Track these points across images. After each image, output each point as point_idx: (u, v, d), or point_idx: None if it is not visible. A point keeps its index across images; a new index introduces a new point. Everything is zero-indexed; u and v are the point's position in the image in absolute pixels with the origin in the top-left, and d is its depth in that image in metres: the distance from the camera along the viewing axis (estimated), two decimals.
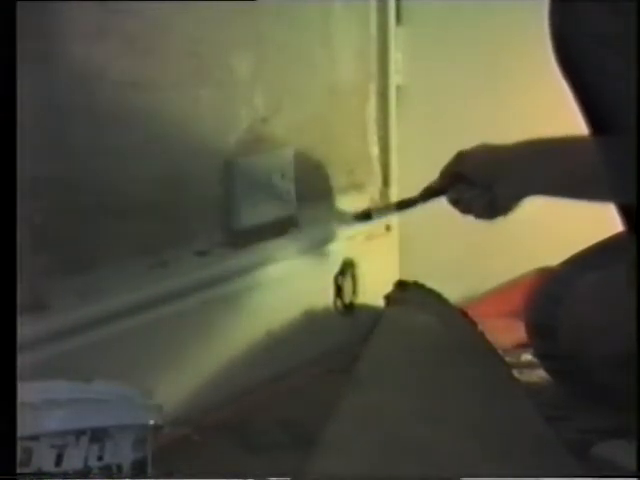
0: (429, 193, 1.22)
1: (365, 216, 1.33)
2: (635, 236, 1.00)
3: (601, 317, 1.05)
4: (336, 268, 1.33)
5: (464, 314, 1.14)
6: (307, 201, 1.31)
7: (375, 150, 1.42)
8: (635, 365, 0.94)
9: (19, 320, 0.76)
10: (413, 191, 1.26)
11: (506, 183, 1.10)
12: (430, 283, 1.20)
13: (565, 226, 1.21)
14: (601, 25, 0.94)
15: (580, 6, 0.95)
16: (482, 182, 1.12)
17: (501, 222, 1.13)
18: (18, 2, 0.80)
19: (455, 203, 1.17)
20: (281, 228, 1.27)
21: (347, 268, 1.34)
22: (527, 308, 1.15)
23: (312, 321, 1.28)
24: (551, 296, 1.12)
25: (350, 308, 1.35)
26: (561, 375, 1.12)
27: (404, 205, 1.28)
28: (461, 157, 1.16)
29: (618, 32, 0.93)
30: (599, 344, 1.04)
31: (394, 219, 1.43)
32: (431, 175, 1.21)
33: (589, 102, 1.00)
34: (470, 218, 1.15)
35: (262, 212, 1.23)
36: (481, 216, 1.14)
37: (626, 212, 1.08)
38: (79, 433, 0.76)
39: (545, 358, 1.16)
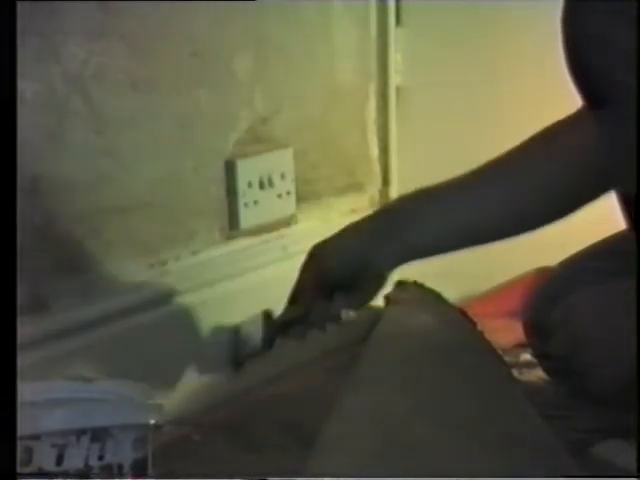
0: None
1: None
2: (636, 236, 0.99)
3: (599, 324, 1.05)
4: None
5: (464, 314, 1.14)
6: (307, 201, 1.31)
7: (375, 150, 1.42)
8: (634, 368, 0.94)
9: (19, 320, 0.76)
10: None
11: (379, 255, 0.98)
12: (430, 283, 1.20)
13: (565, 226, 1.21)
14: (619, 27, 0.93)
15: (598, 6, 0.93)
16: (346, 278, 0.98)
17: None
18: (18, 2, 0.80)
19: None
20: (281, 228, 1.27)
21: None
22: (524, 308, 1.16)
23: None
24: (548, 297, 1.11)
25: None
26: (558, 375, 1.12)
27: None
28: (317, 264, 1.00)
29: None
30: (595, 349, 1.04)
31: None
32: (431, 175, 1.21)
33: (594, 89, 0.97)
34: None
35: (262, 212, 1.23)
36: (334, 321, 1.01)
37: (629, 210, 1.07)
38: (80, 433, 0.76)
39: (542, 358, 1.16)
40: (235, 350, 1.15)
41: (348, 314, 1.03)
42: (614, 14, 0.89)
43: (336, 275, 0.99)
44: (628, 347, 0.95)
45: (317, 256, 1.00)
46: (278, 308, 1.23)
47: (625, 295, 0.97)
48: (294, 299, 1.03)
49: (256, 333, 1.09)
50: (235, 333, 1.16)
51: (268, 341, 1.07)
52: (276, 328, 1.06)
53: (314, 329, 1.02)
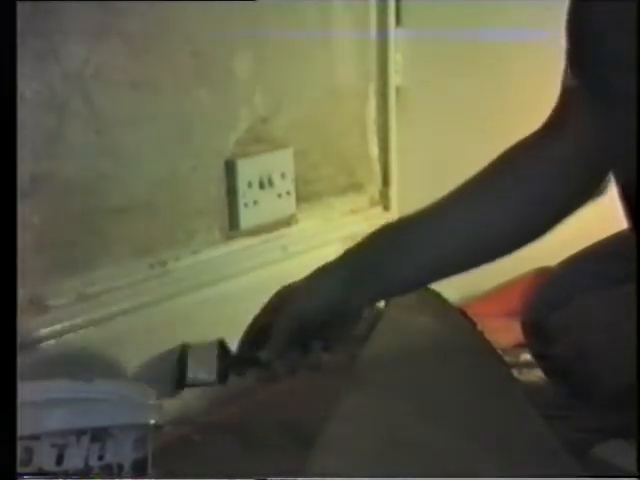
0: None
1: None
2: (635, 235, 0.99)
3: (599, 330, 1.05)
4: None
5: (463, 314, 1.14)
6: (307, 201, 1.31)
7: (375, 150, 1.42)
8: (634, 369, 0.94)
9: (19, 320, 0.76)
10: (413, 191, 1.26)
11: (354, 296, 0.94)
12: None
13: (565, 226, 1.21)
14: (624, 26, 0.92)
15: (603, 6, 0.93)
16: (319, 322, 0.95)
17: None
18: (18, 2, 0.80)
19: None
20: (281, 228, 1.27)
21: None
22: (524, 308, 1.16)
23: None
24: (547, 299, 1.12)
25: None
26: (557, 376, 1.12)
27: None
28: (287, 312, 0.95)
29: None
30: (596, 355, 1.04)
31: (393, 218, 1.43)
32: (431, 175, 1.21)
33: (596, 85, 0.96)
34: None
35: (262, 212, 1.23)
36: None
37: (630, 205, 1.07)
38: (80, 432, 0.77)
39: (540, 358, 1.16)
40: (181, 372, 1.03)
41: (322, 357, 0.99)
42: (617, 13, 0.89)
43: (311, 318, 0.94)
44: (629, 353, 0.94)
45: (289, 299, 0.95)
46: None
47: (625, 300, 0.97)
48: (254, 338, 0.98)
49: (207, 360, 1.01)
50: (183, 355, 1.03)
51: (223, 374, 1.00)
52: (232, 362, 1.00)
53: (283, 373, 0.97)
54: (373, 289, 0.96)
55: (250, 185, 1.21)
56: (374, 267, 0.95)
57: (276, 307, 0.96)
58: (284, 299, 0.96)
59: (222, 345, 1.02)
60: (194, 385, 1.02)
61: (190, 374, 1.01)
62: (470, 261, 0.99)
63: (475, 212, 0.97)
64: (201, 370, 1.01)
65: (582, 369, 1.04)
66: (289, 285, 0.97)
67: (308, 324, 0.94)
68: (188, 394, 1.11)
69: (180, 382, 1.02)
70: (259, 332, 0.97)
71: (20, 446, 0.74)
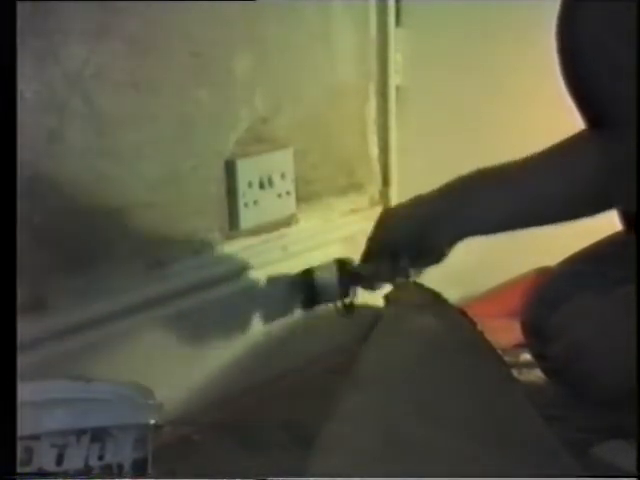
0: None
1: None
2: (635, 235, 0.99)
3: (598, 331, 1.05)
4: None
5: (463, 314, 1.14)
6: (307, 201, 1.31)
7: (375, 150, 1.42)
8: (634, 368, 0.94)
9: (19, 320, 0.76)
10: (412, 191, 1.26)
11: (438, 232, 1.06)
12: (430, 283, 1.20)
13: (565, 226, 1.21)
14: (612, 29, 0.93)
15: (591, 11, 0.93)
16: (416, 243, 1.07)
17: None
18: (18, 2, 0.80)
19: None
20: (281, 228, 1.27)
21: None
22: (523, 308, 1.16)
23: (312, 321, 1.29)
24: (547, 299, 1.12)
25: (350, 308, 1.35)
26: (556, 376, 1.12)
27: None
28: (384, 227, 1.10)
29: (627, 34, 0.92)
30: (594, 356, 1.04)
31: None
32: (431, 175, 1.21)
33: (592, 106, 0.98)
34: None
35: (262, 212, 1.23)
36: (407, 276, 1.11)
37: (625, 212, 1.07)
38: (80, 432, 0.76)
39: (540, 358, 1.16)
40: (308, 293, 1.23)
41: (412, 273, 1.12)
42: (611, 31, 0.90)
43: (398, 240, 1.08)
44: (628, 354, 0.95)
45: (384, 220, 1.11)
46: (278, 308, 1.24)
47: (624, 300, 0.98)
48: (365, 257, 1.13)
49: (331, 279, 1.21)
50: (306, 278, 1.23)
51: (345, 287, 1.19)
52: (351, 276, 1.19)
53: (383, 282, 1.14)
54: (455, 230, 1.06)
55: (250, 185, 1.21)
56: (460, 208, 1.04)
57: (375, 226, 1.11)
58: (381, 219, 1.11)
59: (341, 262, 1.21)
60: (323, 302, 1.23)
61: (318, 293, 1.22)
62: (536, 220, 1.05)
63: (544, 178, 1.02)
64: (327, 288, 1.21)
65: (582, 369, 1.04)
66: (391, 207, 1.14)
67: (395, 243, 1.08)
68: (188, 394, 1.11)
69: (309, 302, 1.24)
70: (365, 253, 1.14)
71: (20, 446, 0.74)
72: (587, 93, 0.95)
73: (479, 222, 1.04)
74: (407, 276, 1.11)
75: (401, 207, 1.12)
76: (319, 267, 1.23)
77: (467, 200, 1.04)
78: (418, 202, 1.08)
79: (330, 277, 1.21)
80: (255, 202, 1.22)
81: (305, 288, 1.24)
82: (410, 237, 1.07)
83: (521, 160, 1.02)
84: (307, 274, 1.23)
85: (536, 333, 1.13)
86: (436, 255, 1.09)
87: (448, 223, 1.05)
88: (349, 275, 1.19)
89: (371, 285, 1.16)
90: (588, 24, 0.92)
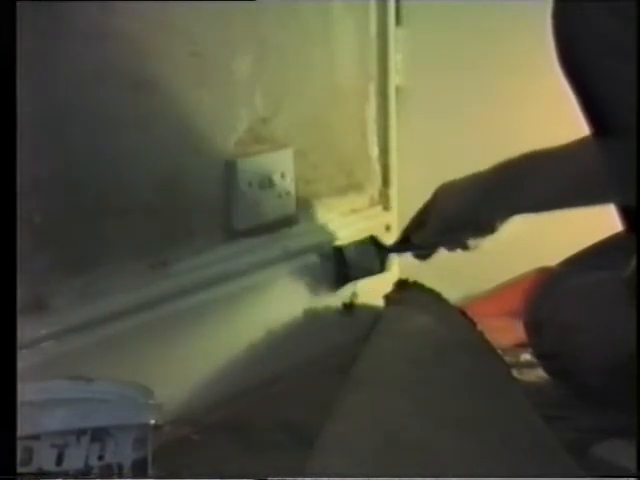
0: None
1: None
2: (635, 235, 1.00)
3: (582, 311, 1.06)
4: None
5: (464, 314, 1.14)
6: (307, 201, 1.31)
7: (375, 150, 1.42)
8: (632, 366, 0.94)
9: (19, 320, 0.76)
10: (412, 191, 1.26)
11: (490, 208, 1.10)
12: (430, 283, 1.20)
13: (565, 226, 1.21)
14: (607, 26, 0.94)
15: (586, 6, 0.95)
16: (468, 217, 1.12)
17: None
18: (18, 2, 0.80)
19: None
20: (281, 228, 1.27)
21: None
22: (524, 308, 1.16)
23: (312, 321, 1.29)
24: (547, 297, 1.12)
25: (350, 308, 1.35)
26: (558, 374, 1.12)
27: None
28: (440, 199, 1.15)
29: (621, 33, 0.92)
30: (581, 336, 1.04)
31: (393, 218, 1.43)
32: (431, 175, 1.21)
33: (593, 103, 0.99)
34: None
35: (262, 212, 1.23)
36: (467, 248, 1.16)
37: (625, 211, 1.08)
38: (80, 432, 0.76)
39: (542, 357, 1.16)
40: (341, 269, 1.29)
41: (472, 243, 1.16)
42: (603, 11, 0.91)
43: (451, 212, 1.13)
44: (612, 331, 0.96)
45: (439, 195, 1.15)
46: (278, 308, 1.24)
47: (608, 282, 0.99)
48: (415, 226, 1.19)
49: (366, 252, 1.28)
50: (339, 254, 1.29)
51: (383, 261, 1.29)
52: (389, 249, 1.28)
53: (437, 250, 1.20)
54: (506, 208, 1.10)
55: (250, 185, 1.21)
56: (510, 186, 1.07)
57: (431, 199, 1.15)
58: (436, 193, 1.15)
59: (374, 238, 1.29)
60: (359, 277, 1.29)
61: (353, 267, 1.28)
62: (583, 200, 1.05)
63: (592, 159, 1.02)
64: (362, 261, 1.28)
65: (582, 369, 1.04)
66: (446, 183, 1.14)
67: (448, 218, 1.13)
68: (188, 394, 1.11)
69: (343, 278, 1.29)
70: (416, 221, 1.19)
71: (20, 446, 0.74)
72: (586, 77, 0.96)
73: (530, 200, 1.06)
74: (465, 247, 1.16)
75: (457, 181, 1.14)
76: (353, 242, 1.29)
77: (519, 179, 1.06)
78: (473, 178, 1.12)
79: (368, 248, 1.27)
80: (255, 202, 1.22)
81: (340, 263, 1.28)
82: (463, 210, 1.12)
83: (566, 144, 1.03)
84: (341, 250, 1.29)
85: (538, 333, 1.13)
86: (488, 229, 1.13)
87: (501, 200, 1.09)
88: (387, 248, 1.27)
89: (424, 254, 1.21)
90: (582, 9, 0.94)
